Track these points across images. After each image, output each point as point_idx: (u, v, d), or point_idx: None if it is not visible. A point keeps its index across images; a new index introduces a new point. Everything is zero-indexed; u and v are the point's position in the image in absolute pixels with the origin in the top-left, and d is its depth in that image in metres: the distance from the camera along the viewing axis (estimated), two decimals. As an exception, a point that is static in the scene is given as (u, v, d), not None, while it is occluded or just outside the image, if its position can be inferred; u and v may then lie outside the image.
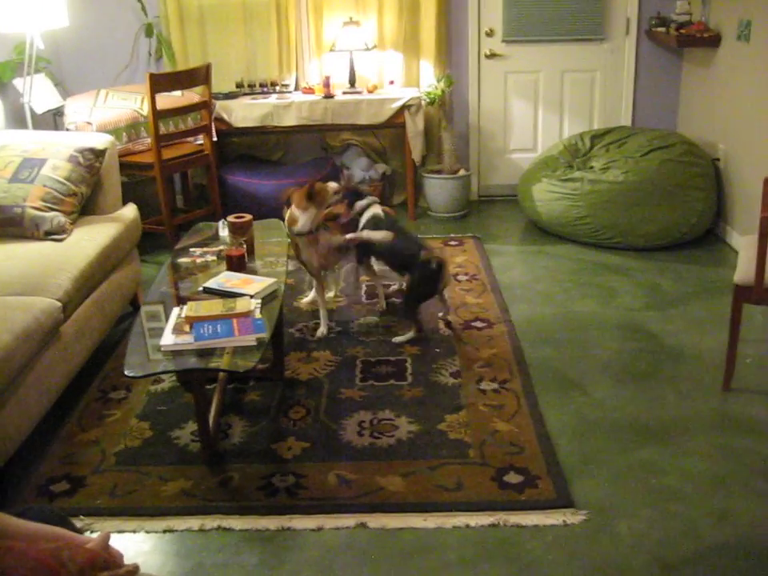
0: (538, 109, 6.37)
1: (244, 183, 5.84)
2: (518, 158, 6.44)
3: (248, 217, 3.93)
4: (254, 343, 3.02)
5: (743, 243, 3.84)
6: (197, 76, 5.13)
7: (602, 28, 6.15)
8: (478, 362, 3.91)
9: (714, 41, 5.50)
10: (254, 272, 3.73)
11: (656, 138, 5.54)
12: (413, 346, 4.08)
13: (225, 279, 3.56)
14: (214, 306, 3.23)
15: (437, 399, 3.60)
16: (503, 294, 4.70)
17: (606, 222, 5.25)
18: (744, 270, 3.51)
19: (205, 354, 3.00)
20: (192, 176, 5.97)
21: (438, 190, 6.00)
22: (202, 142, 5.39)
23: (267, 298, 3.44)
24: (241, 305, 3.24)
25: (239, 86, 6.08)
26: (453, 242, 5.56)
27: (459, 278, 4.95)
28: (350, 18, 5.90)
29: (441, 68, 6.13)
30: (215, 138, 5.53)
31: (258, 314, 3.24)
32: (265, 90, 6.08)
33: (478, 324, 4.31)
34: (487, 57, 6.24)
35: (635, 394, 3.64)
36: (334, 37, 5.93)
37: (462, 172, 6.09)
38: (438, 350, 4.04)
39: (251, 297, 3.36)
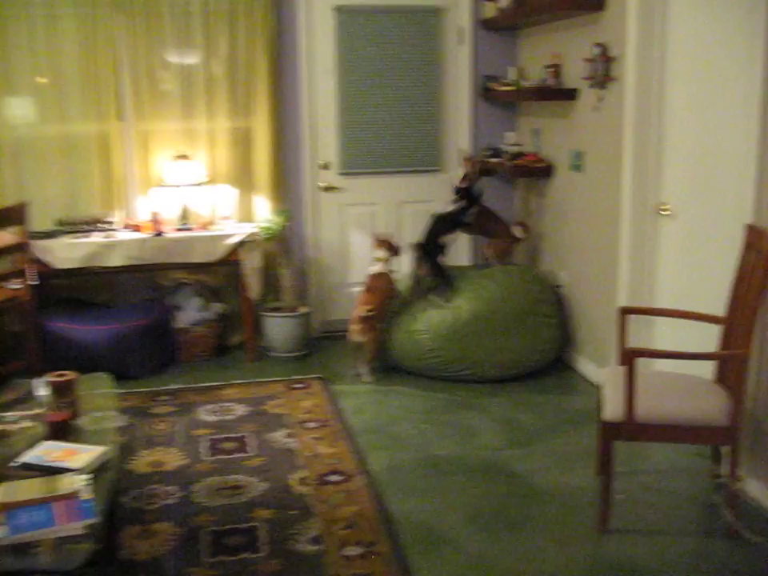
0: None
1: (66, 329, 5.31)
2: (358, 291, 6.24)
3: (71, 374, 3.46)
4: (82, 532, 2.54)
5: (604, 376, 3.72)
6: (10, 215, 4.66)
7: (436, 159, 6.17)
8: (339, 523, 3.53)
9: (547, 171, 5.58)
10: (80, 437, 3.26)
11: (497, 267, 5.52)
12: (264, 509, 3.66)
13: (45, 451, 3.06)
14: (33, 488, 2.74)
15: (297, 572, 3.19)
16: (358, 440, 4.38)
17: (455, 356, 5.08)
18: (612, 406, 3.36)
19: (22, 549, 2.49)
20: (6, 324, 5.37)
21: (278, 328, 5.68)
22: (18, 287, 4.86)
23: (98, 470, 2.97)
24: (64, 484, 2.76)
25: (60, 223, 5.62)
26: (298, 385, 5.23)
27: (308, 425, 4.60)
28: (179, 153, 5.62)
29: (277, 202, 5.92)
30: (35, 282, 5.02)
31: (86, 494, 2.76)
32: (86, 227, 5.64)
33: (335, 477, 3.95)
34: (323, 190, 6.10)
35: (511, 545, 3.37)
36: (163, 171, 5.61)
37: (302, 309, 5.82)
38: (292, 513, 3.63)
39: (77, 472, 2.88)
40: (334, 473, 3.99)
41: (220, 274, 5.99)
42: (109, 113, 5.65)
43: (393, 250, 5.49)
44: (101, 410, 3.55)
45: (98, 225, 5.66)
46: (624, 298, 4.69)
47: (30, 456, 3.01)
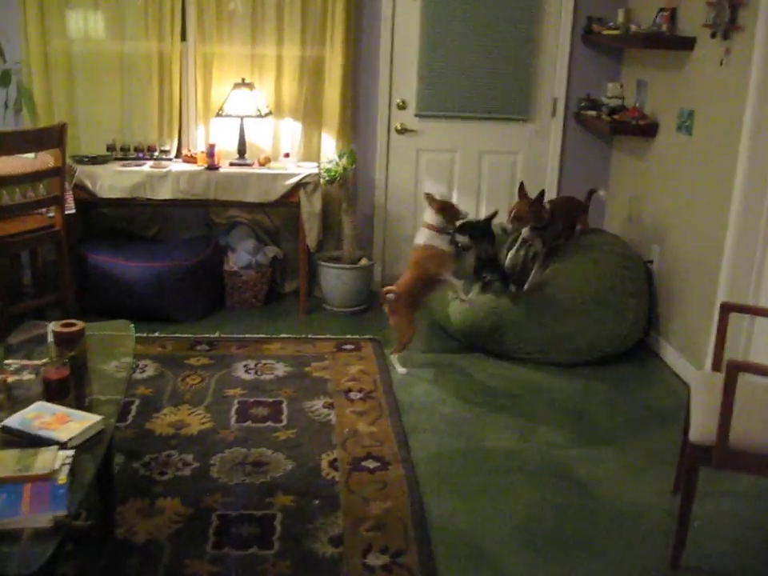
0: (453, 192, 5.67)
1: (107, 264, 4.94)
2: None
3: (79, 325, 3.05)
4: (49, 525, 2.13)
5: (696, 382, 3.13)
6: (47, 137, 4.25)
7: (526, 107, 5.52)
8: (367, 522, 3.07)
9: (650, 130, 4.90)
10: (80, 401, 2.87)
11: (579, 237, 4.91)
12: (285, 495, 3.22)
13: (33, 415, 2.65)
14: (6, 461, 2.35)
15: (309, 581, 2.75)
16: (403, 420, 3.89)
17: (526, 335, 4.53)
18: (701, 425, 2.79)
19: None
20: (44, 254, 5.02)
21: (335, 281, 5.20)
22: (53, 215, 4.48)
23: (88, 444, 2.56)
24: (41, 461, 2.36)
25: (110, 148, 5.22)
26: (348, 346, 4.76)
27: (351, 395, 4.13)
28: (243, 80, 5.13)
29: (344, 142, 5.38)
30: (71, 211, 4.63)
31: (62, 477, 2.35)
32: (140, 155, 5.23)
33: (370, 464, 3.48)
34: (398, 132, 5.54)
35: (562, 571, 2.87)
36: (225, 99, 5.13)
37: (363, 261, 5.32)
38: (317, 502, 3.19)
39: (62, 445, 2.48)
40: (371, 457, 3.53)
41: (278, 215, 5.52)
42: (171, 31, 5.17)
43: (452, 217, 4.49)
44: (113, 370, 3.15)
45: (151, 153, 5.25)
46: (725, 287, 4.05)
47: (15, 419, 2.61)
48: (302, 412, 3.93)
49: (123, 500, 3.14)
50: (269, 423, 3.81)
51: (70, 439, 2.51)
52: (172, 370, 4.32)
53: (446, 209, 4.47)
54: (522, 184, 4.64)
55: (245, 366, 4.42)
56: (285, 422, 3.82)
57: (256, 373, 4.34)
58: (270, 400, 4.04)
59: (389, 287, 4.45)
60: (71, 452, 2.46)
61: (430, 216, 4.47)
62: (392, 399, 4.09)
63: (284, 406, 3.99)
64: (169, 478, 3.31)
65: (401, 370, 4.43)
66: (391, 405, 4.03)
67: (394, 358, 4.48)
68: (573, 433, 3.87)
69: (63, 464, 2.39)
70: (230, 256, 5.35)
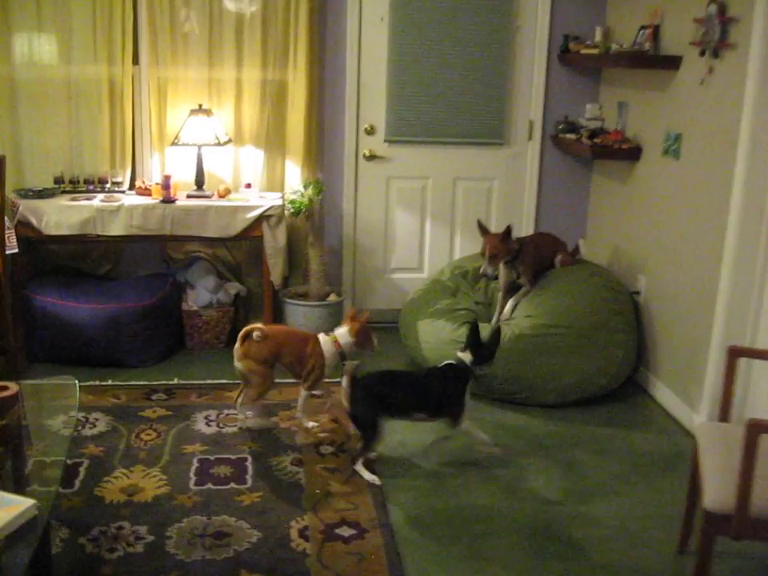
0: (426, 221, 5.38)
1: (56, 306, 4.57)
2: (401, 278, 5.41)
3: (12, 388, 2.70)
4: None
5: (703, 440, 2.82)
6: (-17, 173, 3.88)
7: (501, 131, 5.24)
8: (343, 605, 2.72)
9: (633, 154, 4.64)
10: (16, 477, 2.55)
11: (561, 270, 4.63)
12: (252, 574, 2.86)
13: (-46, 501, 2.30)
14: None
15: None
16: (379, 476, 3.55)
17: (508, 375, 4.21)
18: (716, 491, 2.48)
19: None
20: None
21: (302, 319, 4.86)
22: (-8, 256, 4.11)
23: (19, 533, 2.21)
24: (-42, 561, 2.00)
25: (58, 181, 4.85)
26: (318, 391, 4.39)
27: (323, 448, 3.79)
28: (200, 106, 4.79)
29: (310, 170, 5.06)
30: (13, 250, 4.27)
31: (-21, 584, 1.99)
32: (90, 188, 4.87)
33: (345, 531, 3.14)
34: (366, 159, 5.23)
35: None
36: (181, 127, 4.78)
37: (332, 297, 4.99)
38: (286, 582, 2.84)
39: (-16, 539, 2.12)
40: (346, 523, 3.18)
41: (240, 248, 5.18)
42: (122, 55, 4.83)
43: (362, 347, 3.98)
44: (58, 426, 2.82)
45: (103, 185, 4.90)
46: (721, 323, 3.78)
47: (-67, 507, 2.25)
48: (269, 470, 3.58)
49: (67, 584, 2.77)
50: (231, 485, 3.45)
51: (-4, 531, 2.15)
52: (125, 425, 3.95)
53: (365, 335, 3.95)
54: (479, 221, 4.46)
55: (206, 417, 4.06)
56: (249, 483, 3.47)
57: (218, 425, 3.98)
58: (234, 457, 3.69)
59: (256, 325, 3.91)
60: (-3, 546, 2.11)
61: (343, 333, 3.96)
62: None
63: (248, 463, 3.63)
64: (119, 555, 2.94)
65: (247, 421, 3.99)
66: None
67: (243, 414, 3.98)
68: (564, 486, 3.55)
69: (-14, 564, 2.05)
70: (189, 294, 4.99)
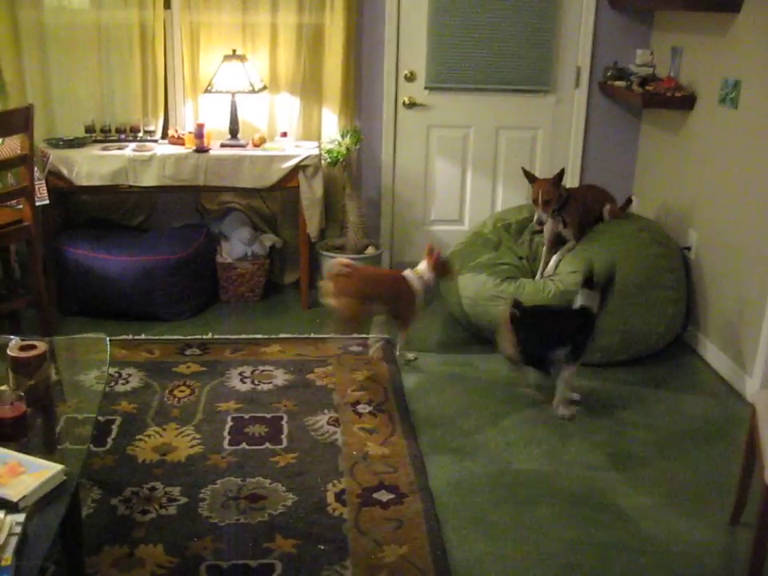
0: (467, 172, 5.20)
1: (88, 258, 4.47)
2: (441, 230, 5.25)
3: (40, 347, 2.60)
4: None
5: (761, 407, 2.66)
6: (11, 121, 3.76)
7: (546, 78, 5.02)
8: (381, 573, 2.63)
9: (687, 102, 4.40)
10: (46, 441, 2.48)
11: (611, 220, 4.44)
12: (286, 538, 2.77)
13: (-20, 466, 2.22)
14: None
15: None
16: (419, 438, 3.44)
17: (552, 332, 4.06)
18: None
19: None
20: (16, 251, 4.55)
21: (340, 272, 4.72)
22: (21, 207, 4.00)
23: (47, 499, 2.13)
24: (-18, 531, 1.92)
25: (89, 130, 4.73)
26: (355, 347, 4.30)
27: (360, 408, 3.68)
28: (233, 51, 4.62)
29: (347, 118, 4.89)
30: (44, 202, 4.17)
31: (5, 558, 1.91)
32: (122, 137, 4.75)
33: (383, 495, 3.03)
34: (406, 106, 5.04)
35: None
36: (214, 73, 4.62)
37: (370, 250, 4.85)
38: (322, 548, 2.74)
39: (12, 507, 2.04)
40: (384, 487, 3.08)
41: (276, 200, 5.04)
42: (154, -1, 4.66)
43: (445, 275, 4.08)
44: (91, 381, 2.75)
45: (135, 134, 4.77)
46: (781, 280, 3.59)
47: (-42, 470, 2.18)
48: (305, 430, 3.48)
49: (98, 547, 2.70)
50: (266, 445, 3.36)
51: (22, 498, 2.07)
52: (159, 381, 3.87)
53: (443, 267, 4.05)
54: (524, 169, 4.30)
55: (240, 373, 3.97)
56: (285, 444, 3.37)
57: (253, 382, 3.89)
58: (269, 416, 3.59)
59: (343, 259, 3.94)
60: (21, 516, 2.03)
61: (425, 269, 4.03)
62: (406, 412, 3.64)
63: (284, 422, 3.54)
64: (151, 518, 2.86)
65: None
66: (405, 420, 3.58)
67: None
68: (609, 451, 3.41)
69: (10, 534, 1.97)
70: (223, 246, 4.88)
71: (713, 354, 4.19)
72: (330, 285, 3.83)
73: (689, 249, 4.44)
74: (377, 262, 4.83)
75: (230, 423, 3.52)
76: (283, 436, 3.43)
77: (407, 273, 4.03)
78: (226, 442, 3.37)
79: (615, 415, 3.70)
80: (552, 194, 4.14)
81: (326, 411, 3.63)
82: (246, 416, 3.58)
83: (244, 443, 3.36)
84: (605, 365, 4.12)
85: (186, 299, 4.62)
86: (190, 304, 4.65)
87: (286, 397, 3.76)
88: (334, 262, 3.87)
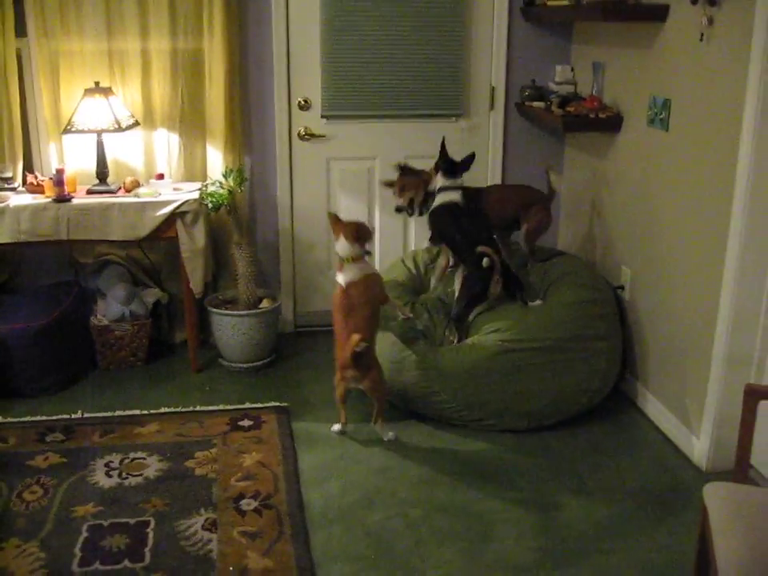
0: (374, 208, 4.66)
1: (-67, 328, 3.82)
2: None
3: None
4: None
5: (714, 507, 2.14)
6: None
7: (457, 100, 4.51)
8: None
9: (612, 124, 3.92)
10: None
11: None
12: None
13: None
14: None
15: None
16: (311, 541, 2.87)
17: (471, 401, 3.53)
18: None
19: None
20: None
21: (230, 331, 4.14)
22: None
23: None
24: None
25: (-67, 177, 4.09)
26: (245, 422, 3.71)
27: (243, 504, 3.09)
28: (96, 84, 4.02)
29: (235, 155, 4.31)
30: None
31: None
32: (-27, 185, 4.11)
33: (259, 630, 2.45)
34: (302, 138, 4.49)
35: None
36: (76, 109, 4.02)
37: (265, 303, 4.26)
38: None
39: None
40: (262, 616, 2.49)
41: (159, 249, 4.43)
42: (2, 25, 4.02)
43: (363, 236, 3.55)
44: None
45: (-11, 181, 4.13)
46: (725, 323, 3.10)
47: None
48: (174, 539, 2.87)
49: None
50: (125, 563, 2.75)
51: None
52: (8, 479, 3.25)
53: (359, 233, 3.51)
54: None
55: (107, 464, 3.35)
56: (147, 560, 2.77)
57: (120, 475, 3.27)
58: (132, 521, 2.98)
59: (356, 336, 3.32)
60: None
61: (344, 247, 3.48)
62: (298, 507, 3.06)
63: (150, 530, 2.93)
64: None
65: (391, 436, 3.55)
66: (295, 518, 2.99)
67: (381, 429, 3.53)
68: (539, 544, 2.87)
69: None
70: (99, 306, 4.26)
71: (654, 407, 3.70)
72: (353, 371, 3.38)
73: (622, 288, 3.95)
74: (273, 318, 4.24)
75: (84, 534, 2.90)
76: (147, 549, 2.82)
77: (360, 266, 3.49)
78: (75, 562, 2.76)
79: (545, 495, 3.16)
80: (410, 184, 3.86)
81: (202, 511, 3.04)
82: (106, 523, 2.97)
83: (98, 562, 2.75)
84: (532, 431, 3.58)
85: (52, 371, 3.98)
86: (58, 376, 4.02)
87: (156, 493, 3.15)
88: (351, 342, 3.30)
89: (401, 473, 3.31)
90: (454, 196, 3.74)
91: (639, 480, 3.27)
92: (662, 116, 3.49)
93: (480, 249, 3.56)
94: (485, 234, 3.67)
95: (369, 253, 3.61)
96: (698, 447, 3.31)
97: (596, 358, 3.60)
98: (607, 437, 3.60)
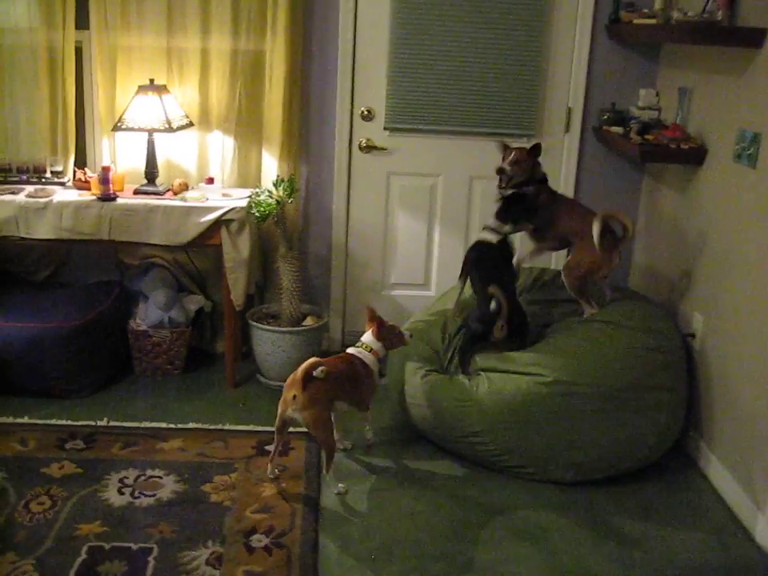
0: (434, 228, 4.41)
1: (-30, 323, 3.73)
2: (403, 295, 4.47)
3: None
4: None
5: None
6: None
7: (531, 120, 4.22)
8: None
9: (695, 157, 3.59)
10: None
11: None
12: None
13: None
14: None
15: None
16: (320, 591, 2.64)
17: (512, 445, 3.24)
18: None
19: None
20: None
21: (270, 347, 3.95)
22: None
23: None
24: None
25: (-20, 168, 4.02)
26: (272, 446, 3.49)
27: (254, 540, 2.87)
28: (151, 81, 3.88)
29: (291, 162, 4.13)
30: None
31: None
32: (23, 177, 4.02)
33: None
34: (363, 150, 4.27)
35: None
36: (129, 106, 3.89)
37: (309, 320, 4.05)
38: None
39: None
40: None
41: (206, 255, 4.27)
42: (62, 16, 3.93)
43: (391, 341, 3.42)
44: None
45: (39, 174, 4.04)
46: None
47: None
48: (175, 572, 2.68)
49: None
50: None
51: None
52: (18, 486, 3.11)
53: (390, 334, 3.43)
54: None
55: (121, 480, 3.19)
56: (141, 595, 2.58)
57: (132, 494, 3.11)
58: (135, 547, 2.80)
59: (315, 359, 3.11)
60: None
61: (370, 340, 3.40)
62: (310, 548, 2.83)
63: (151, 558, 2.75)
64: None
65: (338, 488, 3.20)
66: (306, 561, 2.76)
67: (328, 478, 3.21)
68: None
69: None
70: (140, 309, 4.12)
71: (717, 472, 3.35)
72: (299, 394, 3.03)
73: (693, 336, 3.61)
74: (316, 336, 4.04)
75: (83, 557, 2.74)
76: (142, 582, 2.63)
77: (355, 351, 3.34)
78: (67, 588, 2.58)
79: (582, 562, 2.86)
80: (523, 159, 3.52)
81: (209, 543, 2.84)
82: (108, 545, 2.80)
83: (89, 592, 2.58)
84: (577, 484, 3.28)
85: (85, 373, 3.86)
86: (91, 379, 3.90)
87: (166, 518, 2.97)
88: (307, 365, 3.04)
89: (428, 521, 3.04)
90: (491, 237, 3.55)
91: (691, 554, 2.93)
92: (749, 151, 3.15)
93: (491, 290, 3.35)
94: (506, 278, 3.47)
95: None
96: (763, 525, 2.96)
97: (656, 411, 3.27)
98: (661, 499, 3.26)
